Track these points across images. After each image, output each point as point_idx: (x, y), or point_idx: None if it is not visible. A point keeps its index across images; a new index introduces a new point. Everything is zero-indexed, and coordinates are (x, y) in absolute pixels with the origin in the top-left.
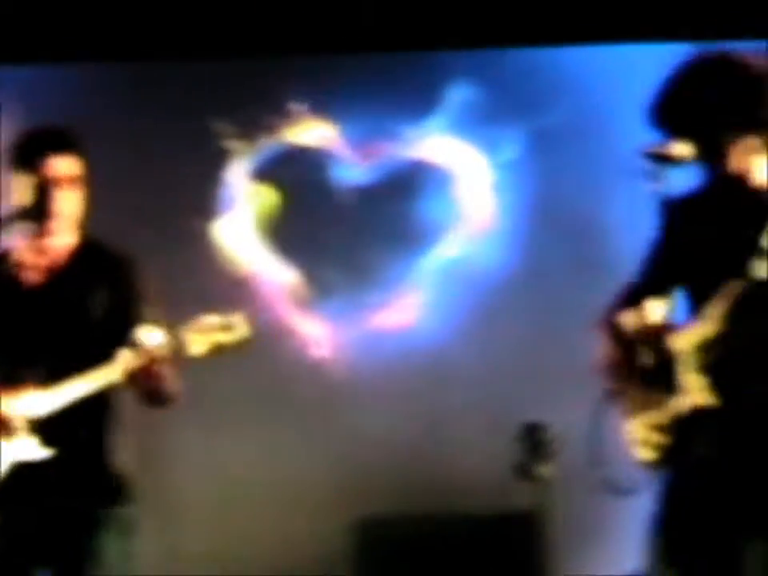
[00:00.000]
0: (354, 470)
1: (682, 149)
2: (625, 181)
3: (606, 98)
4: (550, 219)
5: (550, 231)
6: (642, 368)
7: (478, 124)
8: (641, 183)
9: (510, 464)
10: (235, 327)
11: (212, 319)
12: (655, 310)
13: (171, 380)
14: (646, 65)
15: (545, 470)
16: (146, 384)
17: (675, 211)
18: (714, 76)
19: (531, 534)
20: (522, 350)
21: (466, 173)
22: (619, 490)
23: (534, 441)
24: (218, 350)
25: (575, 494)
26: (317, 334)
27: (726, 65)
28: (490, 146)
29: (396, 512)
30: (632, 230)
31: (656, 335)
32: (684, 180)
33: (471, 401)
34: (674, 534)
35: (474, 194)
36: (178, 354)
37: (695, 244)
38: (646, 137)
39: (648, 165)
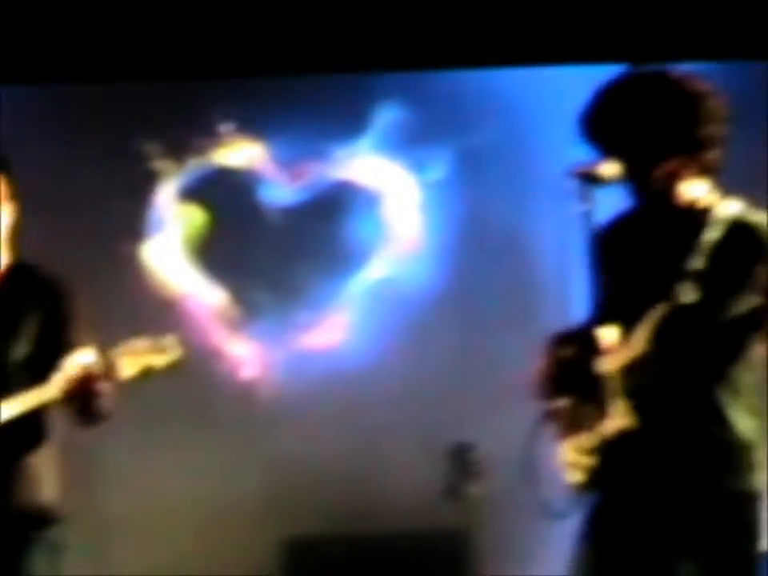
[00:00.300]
0: (283, 489)
1: (609, 168)
2: (552, 200)
3: (533, 118)
4: (478, 239)
5: (478, 251)
6: (576, 390)
7: (406, 144)
8: (569, 203)
9: (438, 484)
10: (167, 350)
11: (143, 342)
12: (605, 334)
13: (107, 398)
14: (573, 86)
15: (473, 489)
16: (82, 402)
17: (610, 233)
18: (650, 93)
19: (459, 553)
20: (451, 370)
21: (394, 193)
22: (552, 512)
23: (462, 461)
24: (149, 373)
25: (504, 514)
26: (246, 355)
27: (663, 83)
28: (417, 166)
29: (325, 532)
30: (560, 250)
31: (593, 359)
32: (613, 200)
33: (400, 421)
34: (601, 556)
35: (402, 214)
36: (109, 377)
37: (625, 268)
38: (574, 157)
39: (575, 184)
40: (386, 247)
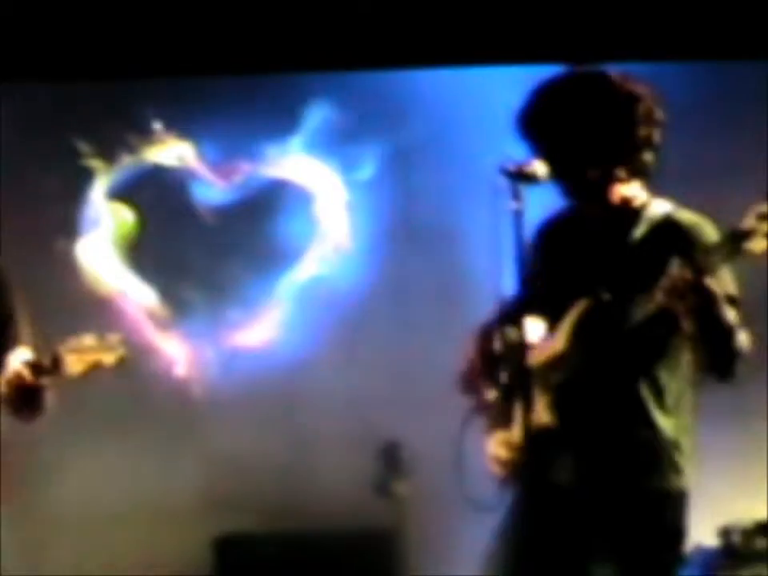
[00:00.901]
0: (216, 487)
1: (538, 167)
2: (482, 199)
3: (462, 117)
4: (408, 237)
5: (408, 249)
6: (503, 385)
7: (336, 144)
8: (499, 201)
9: (369, 482)
10: (113, 347)
11: (89, 339)
12: (530, 328)
13: (48, 394)
14: (501, 85)
15: (402, 487)
16: (25, 398)
17: (542, 231)
18: (586, 94)
19: (388, 550)
20: (382, 368)
21: (325, 192)
22: (479, 507)
23: (391, 459)
24: (95, 369)
25: (433, 511)
26: (178, 353)
27: (600, 84)
28: (347, 166)
29: (256, 530)
30: (490, 248)
31: (520, 353)
32: (548, 198)
33: (331, 419)
34: (516, 553)
35: (333, 213)
36: (56, 374)
37: (556, 265)
38: (504, 155)
39: (506, 183)
40: (317, 246)
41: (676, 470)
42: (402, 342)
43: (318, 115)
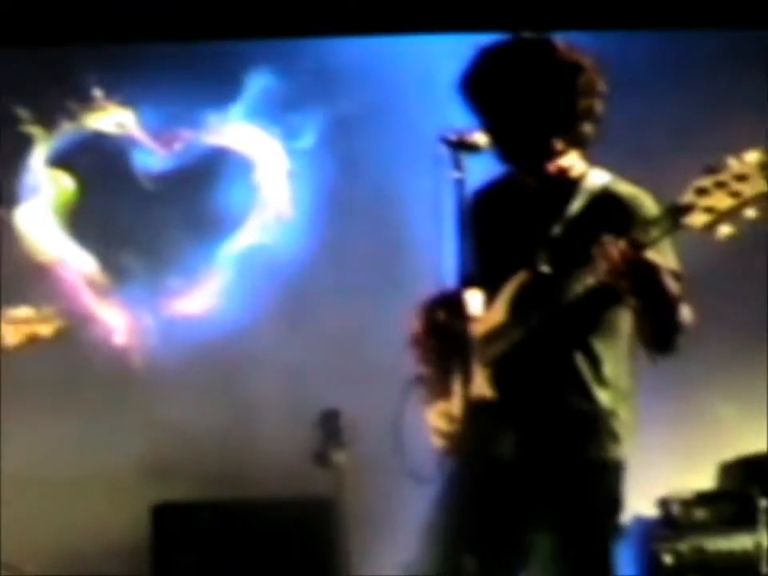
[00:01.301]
0: (155, 455)
1: (479, 137)
2: (424, 168)
3: (403, 86)
4: (349, 206)
5: (348, 218)
6: (444, 357)
7: (277, 112)
8: (440, 170)
9: (309, 450)
10: (51, 318)
11: (26, 311)
12: (473, 300)
13: None
14: (444, 54)
15: (340, 456)
16: None
17: (480, 201)
18: (528, 62)
19: (326, 519)
20: (323, 336)
21: (265, 160)
22: (418, 478)
23: (330, 427)
24: (32, 342)
25: (372, 480)
26: (117, 321)
27: (542, 53)
28: (288, 134)
29: (193, 497)
30: (431, 217)
31: (460, 325)
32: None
33: (272, 387)
34: (453, 524)
35: (273, 181)
36: None
37: (494, 236)
38: (445, 124)
39: (446, 152)
40: (258, 214)
41: (614, 439)
42: (343, 311)
43: (258, 83)
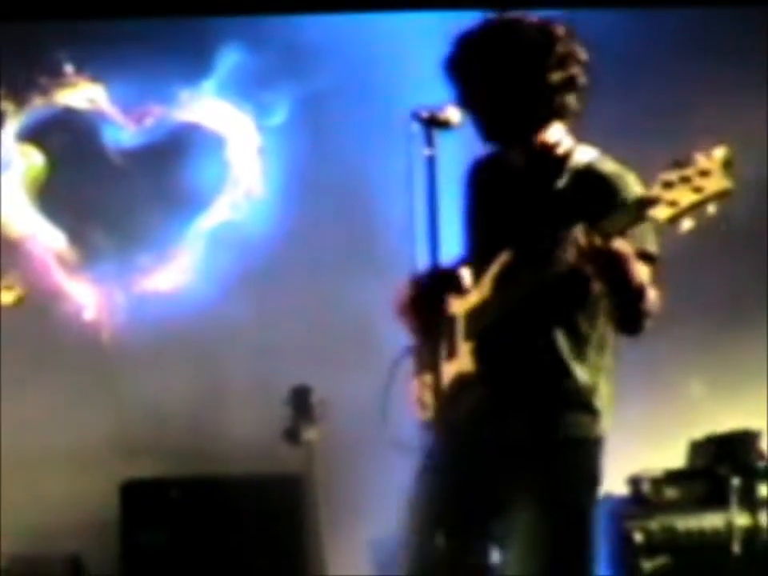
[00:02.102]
0: (123, 432)
1: (452, 113)
2: (395, 144)
3: (377, 63)
4: (320, 183)
5: (321, 195)
6: (429, 330)
7: (249, 88)
8: (412, 147)
9: (279, 427)
10: (10, 287)
11: None
12: (464, 276)
13: None
14: (416, 31)
15: (311, 433)
16: None
17: (469, 178)
18: (502, 40)
19: (297, 495)
20: (293, 314)
21: (236, 136)
22: (404, 449)
23: (301, 404)
24: None
25: (343, 457)
26: (86, 298)
27: (515, 29)
28: (260, 110)
29: (164, 474)
30: (403, 194)
31: (449, 298)
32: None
33: (242, 364)
34: (438, 496)
35: (244, 158)
36: None
37: (482, 213)
38: (417, 101)
39: (418, 128)
40: (228, 191)
41: (593, 415)
42: (313, 289)
43: (230, 59)
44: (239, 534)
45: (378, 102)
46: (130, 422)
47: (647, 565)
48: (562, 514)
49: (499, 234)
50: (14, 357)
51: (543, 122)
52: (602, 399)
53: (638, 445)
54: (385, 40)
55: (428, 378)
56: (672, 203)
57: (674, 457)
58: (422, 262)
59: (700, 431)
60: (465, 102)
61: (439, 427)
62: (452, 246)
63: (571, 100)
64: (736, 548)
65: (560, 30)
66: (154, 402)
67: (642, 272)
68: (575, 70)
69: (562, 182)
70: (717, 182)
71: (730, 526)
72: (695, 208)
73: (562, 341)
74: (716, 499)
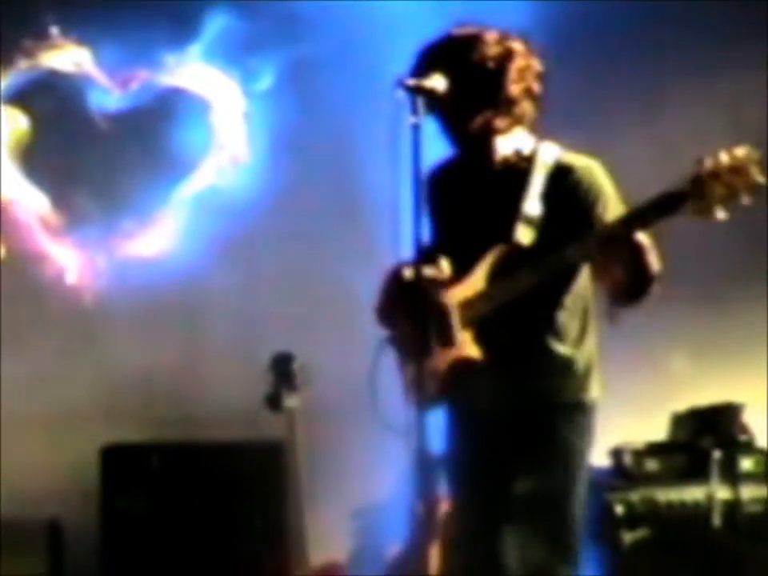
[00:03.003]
0: (104, 397)
1: (437, 82)
2: (382, 112)
3: (363, 30)
4: (306, 149)
5: (306, 161)
6: (419, 318)
7: (236, 53)
8: (398, 114)
9: (261, 394)
10: None
11: None
12: (444, 265)
13: None
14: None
15: (292, 400)
16: None
17: (439, 176)
18: (463, 54)
19: (279, 462)
20: (276, 280)
21: (223, 102)
22: (393, 429)
23: (282, 371)
24: None
25: (324, 424)
26: (70, 261)
27: (475, 43)
28: (246, 76)
29: (144, 440)
30: (388, 161)
31: (435, 289)
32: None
33: (224, 330)
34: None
35: (230, 124)
36: None
37: (456, 209)
38: (403, 68)
39: (403, 96)
40: (214, 156)
41: (587, 389)
42: (297, 255)
43: (217, 24)
44: (220, 500)
45: (366, 69)
46: (111, 387)
47: (628, 536)
48: (560, 478)
49: (477, 231)
50: None
51: (505, 131)
52: (592, 374)
53: (620, 417)
54: (373, 6)
55: (423, 363)
56: (703, 197)
57: (656, 429)
58: (407, 230)
59: (682, 404)
60: (431, 109)
61: (442, 408)
62: None
63: (528, 107)
64: (716, 521)
65: (518, 45)
66: (136, 367)
67: (654, 261)
68: (532, 82)
69: (536, 179)
70: (747, 179)
71: (710, 499)
72: (726, 202)
73: (558, 316)
74: (697, 472)
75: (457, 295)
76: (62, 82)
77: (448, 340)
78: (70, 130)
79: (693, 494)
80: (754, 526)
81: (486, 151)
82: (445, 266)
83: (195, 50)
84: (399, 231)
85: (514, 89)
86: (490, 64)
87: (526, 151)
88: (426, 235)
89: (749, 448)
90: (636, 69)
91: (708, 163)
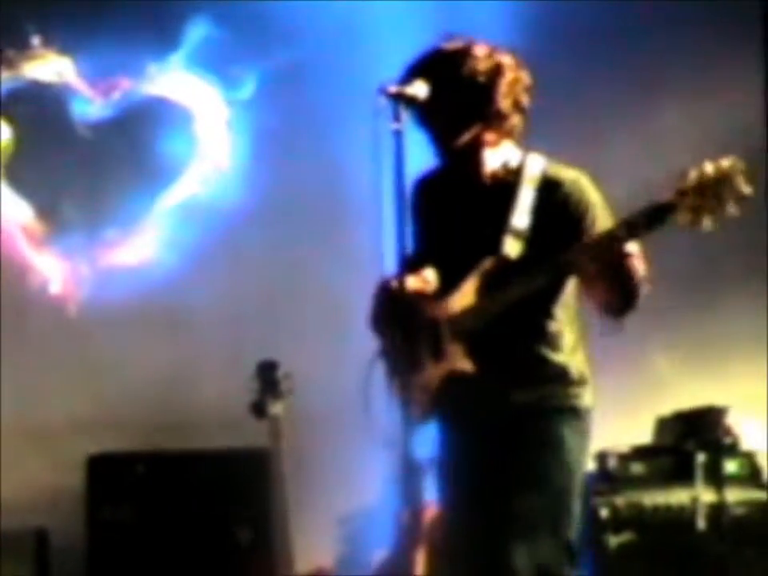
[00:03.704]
0: (89, 406)
1: (419, 88)
2: (363, 119)
3: (344, 38)
4: (288, 157)
5: (288, 169)
6: (410, 331)
7: (217, 62)
8: (379, 121)
9: (246, 401)
10: None
11: None
12: (430, 278)
13: None
14: (385, 5)
15: (277, 407)
16: None
17: (423, 187)
18: (451, 68)
19: (264, 470)
20: (261, 289)
21: (205, 110)
22: (385, 442)
23: (267, 378)
24: None
25: (309, 432)
26: (53, 270)
27: (464, 58)
28: (228, 84)
29: (130, 449)
30: (370, 168)
31: (423, 302)
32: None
33: (209, 339)
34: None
35: (212, 132)
36: None
37: (442, 221)
38: (386, 75)
39: (385, 103)
40: (196, 164)
41: (581, 396)
42: (280, 263)
43: (198, 33)
44: (206, 508)
45: (347, 76)
46: (96, 396)
47: (613, 540)
48: (551, 484)
49: (465, 244)
50: None
51: (494, 144)
52: (584, 378)
53: (605, 420)
54: (353, 13)
55: (415, 377)
56: (691, 209)
57: (641, 433)
58: (390, 237)
59: (667, 407)
60: (419, 122)
61: (437, 420)
62: None
63: (517, 121)
64: (701, 524)
65: (507, 59)
66: (121, 375)
67: (641, 267)
68: (521, 95)
69: (524, 192)
70: (733, 190)
71: (695, 502)
72: (713, 213)
73: (550, 324)
74: (682, 475)
75: (447, 308)
76: (44, 92)
77: (439, 353)
78: (52, 139)
79: (678, 497)
80: (739, 528)
81: (474, 164)
82: (431, 278)
83: (177, 58)
84: (381, 238)
85: (504, 103)
86: (481, 78)
87: (514, 164)
88: (411, 245)
89: (733, 451)
90: (627, 68)
91: (693, 175)
